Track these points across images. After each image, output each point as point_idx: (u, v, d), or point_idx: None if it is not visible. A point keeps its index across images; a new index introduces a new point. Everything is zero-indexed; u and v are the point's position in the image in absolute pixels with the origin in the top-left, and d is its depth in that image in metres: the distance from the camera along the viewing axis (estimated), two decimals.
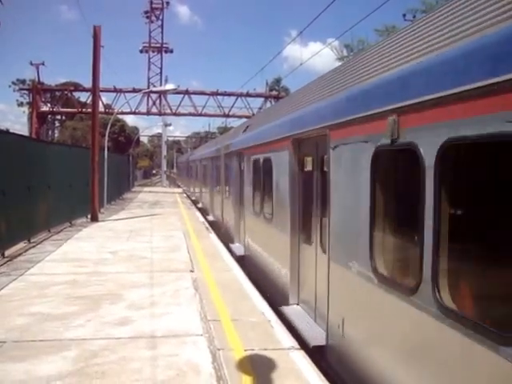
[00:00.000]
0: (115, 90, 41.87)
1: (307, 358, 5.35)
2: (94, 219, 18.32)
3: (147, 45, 49.99)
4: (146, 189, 46.52)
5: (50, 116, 51.75)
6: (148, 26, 50.40)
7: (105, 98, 55.18)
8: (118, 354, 5.27)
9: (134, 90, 40.25)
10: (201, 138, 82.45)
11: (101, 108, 33.82)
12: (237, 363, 5.10)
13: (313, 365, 5.16)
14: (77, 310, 6.88)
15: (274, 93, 48.58)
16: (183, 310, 6.93)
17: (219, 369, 4.95)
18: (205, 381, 4.69)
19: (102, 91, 32.65)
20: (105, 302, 7.33)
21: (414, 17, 24.10)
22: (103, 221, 18.28)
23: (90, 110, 25.24)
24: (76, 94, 46.23)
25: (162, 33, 50.44)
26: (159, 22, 50.52)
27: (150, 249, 12.01)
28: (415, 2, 27.52)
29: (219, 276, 9.13)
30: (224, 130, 51.00)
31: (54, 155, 14.98)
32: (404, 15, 25.96)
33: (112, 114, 34.25)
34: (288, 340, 5.86)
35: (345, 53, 33.84)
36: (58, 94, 46.40)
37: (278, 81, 57.88)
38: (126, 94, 40.30)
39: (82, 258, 10.82)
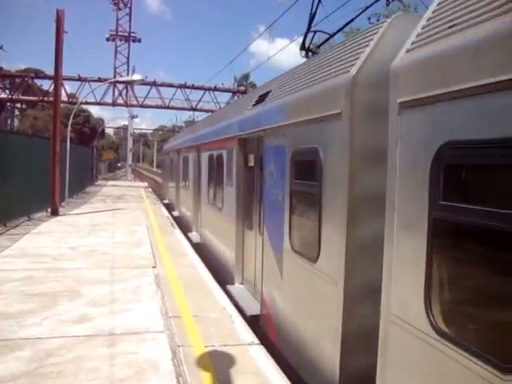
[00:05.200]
0: (79, 79, 39.76)
1: (267, 353, 5.40)
2: (55, 213, 17.76)
3: (114, 33, 48.49)
4: (111, 182, 45.43)
5: (8, 104, 49.44)
6: (115, 14, 48.82)
7: (68, 87, 53.46)
8: (74, 353, 5.17)
9: (100, 80, 38.02)
10: (167, 132, 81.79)
11: (64, 97, 32.65)
12: (197, 360, 5.11)
13: (272, 360, 5.22)
14: (33, 307, 6.68)
15: (242, 88, 48.57)
16: (144, 307, 6.86)
17: (179, 365, 4.95)
18: (164, 378, 4.67)
19: (65, 79, 31.48)
20: (63, 299, 7.15)
21: (378, 20, 24.54)
22: (64, 215, 17.76)
23: (52, 98, 24.03)
24: (38, 82, 44.28)
25: (129, 21, 48.91)
26: (127, 10, 49.00)
27: (112, 244, 11.78)
28: (378, 8, 27.98)
29: (182, 272, 9.07)
30: (191, 124, 50.91)
31: (12, 145, 14.27)
32: (369, 18, 26.38)
33: (75, 103, 32.84)
34: (249, 335, 5.91)
35: None
36: (17, 80, 43.57)
37: (245, 77, 58.38)
38: (91, 83, 38.38)
39: (40, 253, 10.48)
